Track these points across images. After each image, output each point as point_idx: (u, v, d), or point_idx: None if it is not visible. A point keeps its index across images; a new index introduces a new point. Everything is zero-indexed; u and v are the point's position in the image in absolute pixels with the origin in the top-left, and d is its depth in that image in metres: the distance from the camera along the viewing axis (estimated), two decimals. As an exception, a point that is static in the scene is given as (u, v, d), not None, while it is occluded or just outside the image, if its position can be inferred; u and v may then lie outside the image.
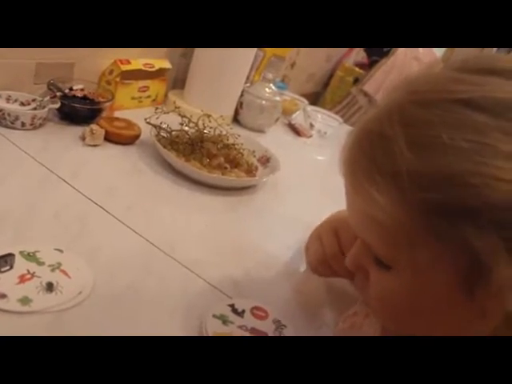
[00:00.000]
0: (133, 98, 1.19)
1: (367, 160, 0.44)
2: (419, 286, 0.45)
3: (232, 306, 0.64)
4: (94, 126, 0.94)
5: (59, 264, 0.61)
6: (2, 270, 0.58)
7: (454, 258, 0.41)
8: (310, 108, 1.61)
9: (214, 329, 0.59)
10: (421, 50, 2.58)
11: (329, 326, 0.70)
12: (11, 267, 0.59)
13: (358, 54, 2.79)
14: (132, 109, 1.18)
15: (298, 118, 1.58)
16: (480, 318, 0.44)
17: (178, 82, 1.37)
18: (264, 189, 1.04)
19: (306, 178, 1.22)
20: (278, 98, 1.37)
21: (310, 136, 1.51)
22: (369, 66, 2.70)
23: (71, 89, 1.00)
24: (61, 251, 0.64)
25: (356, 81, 2.69)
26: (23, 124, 0.89)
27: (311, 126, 1.53)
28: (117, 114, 1.10)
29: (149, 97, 1.24)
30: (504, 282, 0.40)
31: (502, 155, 0.38)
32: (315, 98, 2.63)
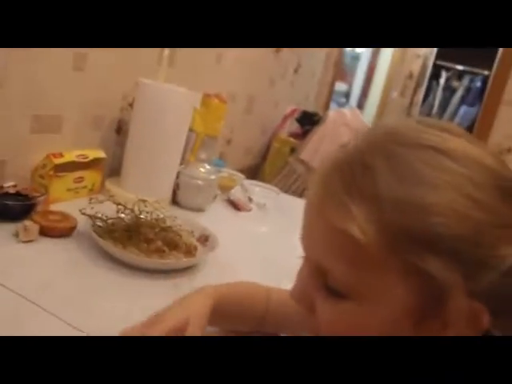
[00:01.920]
0: (69, 190, 1.20)
1: (346, 176, 0.46)
2: (376, 313, 0.46)
3: None
4: (27, 222, 0.94)
5: None
6: None
7: (415, 286, 0.44)
8: (246, 182, 1.66)
9: None
10: (348, 116, 2.73)
11: None
12: None
13: (292, 125, 2.91)
14: (69, 200, 1.19)
15: (236, 193, 1.62)
16: None
17: (115, 169, 1.39)
18: (205, 268, 1.05)
19: (248, 251, 1.24)
20: (213, 177, 1.41)
21: (250, 209, 1.54)
22: (302, 135, 2.82)
23: (2, 186, 1.00)
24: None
25: (292, 150, 2.80)
26: (-47, 227, 0.88)
27: (250, 199, 1.58)
28: (52, 207, 1.11)
29: (85, 187, 1.25)
30: (456, 316, 0.43)
31: (467, 197, 0.43)
32: (255, 171, 2.70)
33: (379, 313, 0.46)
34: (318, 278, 0.49)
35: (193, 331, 0.66)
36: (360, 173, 0.45)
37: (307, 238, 0.51)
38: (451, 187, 0.43)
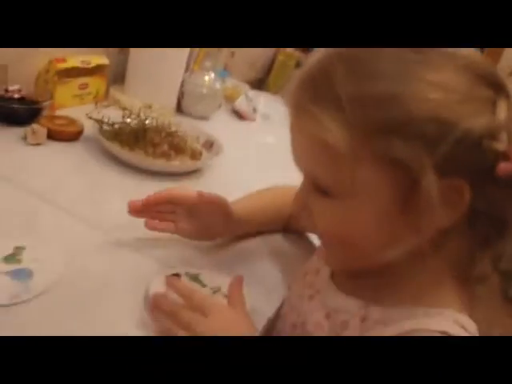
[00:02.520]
0: (74, 96, 1.20)
1: (310, 91, 0.50)
2: (360, 207, 0.50)
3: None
4: (34, 126, 0.95)
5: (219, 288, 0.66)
6: None
7: (389, 176, 0.47)
8: (251, 92, 1.65)
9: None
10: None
11: (279, 291, 0.74)
12: None
13: (298, 38, 2.84)
14: (75, 106, 1.19)
15: (241, 103, 1.61)
16: (414, 234, 0.49)
17: (119, 77, 1.37)
18: (210, 172, 1.07)
19: (251, 159, 1.26)
20: (218, 86, 1.40)
21: (254, 120, 1.55)
22: (308, 48, 2.75)
23: (7, 90, 1.00)
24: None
25: (297, 64, 2.74)
26: (-38, 129, 0.89)
27: (254, 110, 1.57)
28: (58, 112, 1.11)
29: (90, 94, 1.25)
30: (431, 196, 0.46)
31: (426, 82, 0.46)
32: (259, 85, 2.66)
33: (364, 206, 0.50)
34: (311, 184, 0.54)
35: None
36: (319, 80, 0.49)
37: (294, 150, 0.55)
38: (408, 75, 0.46)
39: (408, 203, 0.48)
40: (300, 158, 0.55)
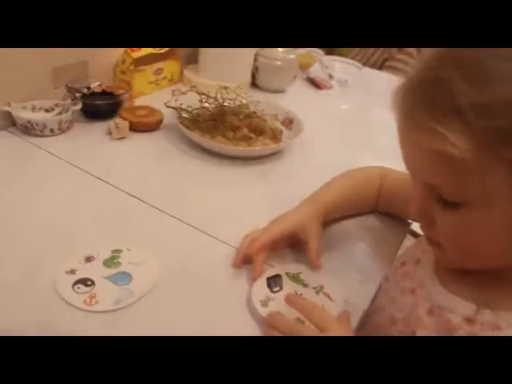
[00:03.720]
0: (150, 83, 1.21)
1: (426, 103, 0.46)
2: (488, 215, 0.48)
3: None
4: (117, 120, 0.96)
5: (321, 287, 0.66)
6: (274, 290, 0.64)
7: None
8: (326, 58, 1.58)
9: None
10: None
11: (374, 279, 0.71)
12: (281, 288, 0.65)
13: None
14: (151, 93, 1.20)
15: (315, 70, 1.56)
16: None
17: (192, 58, 1.37)
18: (292, 151, 1.05)
19: (332, 130, 1.22)
20: (292, 56, 1.36)
21: (331, 87, 1.49)
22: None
23: (89, 87, 1.02)
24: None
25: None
26: (52, 130, 0.93)
27: (330, 76, 1.51)
28: (137, 101, 1.13)
29: (165, 78, 1.25)
30: None
31: None
32: (331, 49, 2.56)
33: (492, 215, 0.47)
34: (430, 194, 0.51)
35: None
36: (434, 91, 0.45)
37: (409, 162, 0.52)
38: None
39: None
40: (417, 170, 0.52)
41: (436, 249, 0.58)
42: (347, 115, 1.36)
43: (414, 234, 0.98)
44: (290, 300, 0.60)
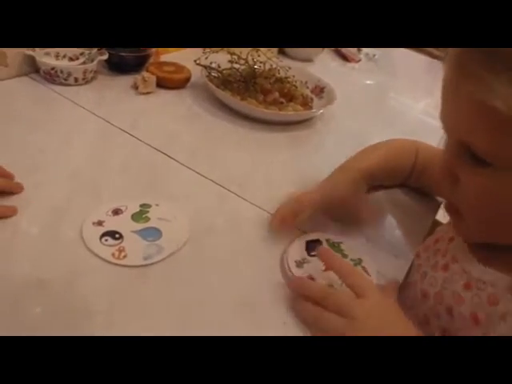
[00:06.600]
0: (176, 41, 1.16)
1: (483, 52, 0.43)
2: None
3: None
4: (145, 74, 0.92)
5: (360, 260, 0.63)
6: (312, 254, 0.61)
7: None
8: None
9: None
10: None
11: (406, 256, 0.69)
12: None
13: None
14: (178, 51, 1.16)
15: (343, 42, 1.51)
16: None
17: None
18: (321, 120, 1.01)
19: (360, 104, 1.18)
20: (323, 24, 1.31)
21: (359, 60, 1.45)
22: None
23: (117, 37, 0.98)
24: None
25: None
26: (76, 79, 0.89)
27: (359, 50, 1.47)
28: (163, 58, 1.08)
29: (191, 37, 1.21)
30: None
31: None
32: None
33: None
34: (462, 151, 0.49)
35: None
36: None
37: (448, 117, 0.50)
38: None
39: None
40: (455, 123, 0.49)
41: (453, 217, 0.56)
42: (373, 90, 1.32)
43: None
44: (325, 256, 0.56)
